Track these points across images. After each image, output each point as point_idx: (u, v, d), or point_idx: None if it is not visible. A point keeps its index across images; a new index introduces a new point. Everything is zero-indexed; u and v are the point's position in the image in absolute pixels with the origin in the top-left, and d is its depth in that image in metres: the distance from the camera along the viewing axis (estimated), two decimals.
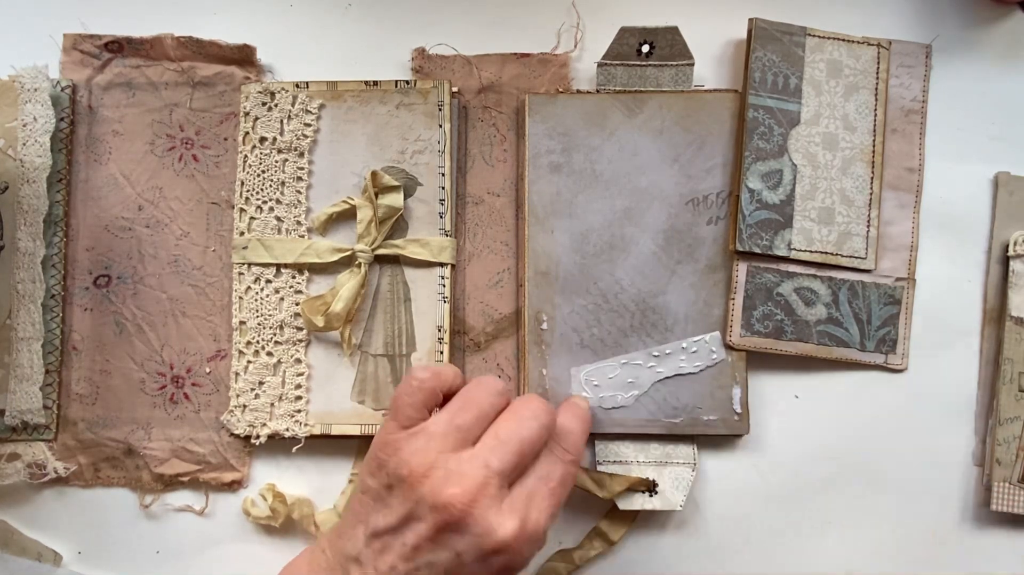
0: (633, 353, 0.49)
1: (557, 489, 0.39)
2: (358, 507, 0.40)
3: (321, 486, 0.50)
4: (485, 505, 0.36)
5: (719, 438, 0.49)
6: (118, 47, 0.52)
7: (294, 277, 0.50)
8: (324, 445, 0.50)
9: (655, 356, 0.49)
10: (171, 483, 0.50)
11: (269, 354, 0.50)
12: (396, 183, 0.49)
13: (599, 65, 0.50)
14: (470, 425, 0.39)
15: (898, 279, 0.50)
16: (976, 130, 0.51)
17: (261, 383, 0.50)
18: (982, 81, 0.51)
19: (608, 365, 0.49)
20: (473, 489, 0.36)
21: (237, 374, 0.50)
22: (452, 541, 0.37)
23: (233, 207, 0.51)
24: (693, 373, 0.49)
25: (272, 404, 0.50)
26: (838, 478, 0.50)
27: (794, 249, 0.49)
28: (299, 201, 0.50)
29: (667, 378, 0.49)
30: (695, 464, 0.49)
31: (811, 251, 0.49)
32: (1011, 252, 0.49)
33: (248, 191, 0.50)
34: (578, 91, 0.50)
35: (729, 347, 0.49)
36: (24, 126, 0.49)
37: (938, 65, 0.51)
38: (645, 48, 0.49)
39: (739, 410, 0.49)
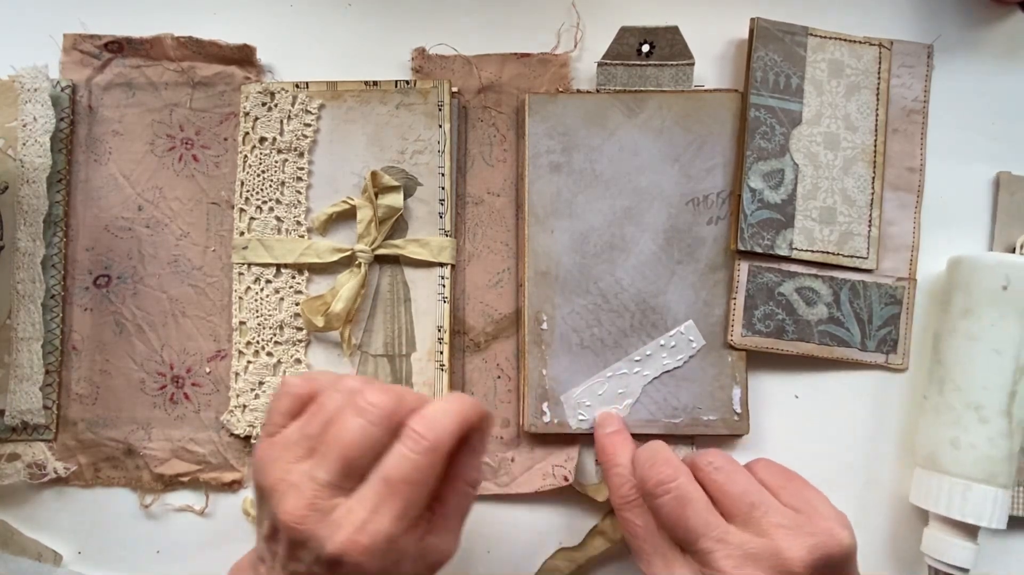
0: (616, 364, 0.49)
1: (401, 487, 0.35)
2: (256, 509, 0.39)
3: None
4: (315, 519, 0.35)
5: (719, 438, 0.49)
6: (118, 47, 0.52)
7: (294, 277, 0.50)
8: None
9: (637, 361, 0.49)
10: (171, 483, 0.50)
11: (269, 354, 0.50)
12: (396, 183, 0.49)
13: (599, 65, 0.50)
14: (317, 432, 0.36)
15: (899, 279, 0.50)
16: (977, 130, 0.51)
17: (261, 383, 0.50)
18: (982, 81, 0.51)
19: (595, 382, 0.49)
20: (302, 504, 0.35)
21: (237, 374, 0.50)
22: (301, 554, 0.35)
23: (233, 207, 0.51)
24: (679, 367, 0.49)
25: None
26: (838, 478, 0.50)
27: (795, 249, 0.49)
28: (299, 201, 0.50)
29: (656, 378, 0.49)
30: None
31: (812, 251, 0.49)
32: (1020, 253, 0.49)
33: (248, 191, 0.50)
34: (578, 91, 0.50)
35: (730, 347, 0.49)
36: (24, 126, 0.49)
37: (939, 65, 0.51)
38: (645, 48, 0.49)
39: (739, 410, 0.48)
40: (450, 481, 0.39)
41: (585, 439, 0.49)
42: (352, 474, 0.35)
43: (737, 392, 0.48)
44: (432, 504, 0.39)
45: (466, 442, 0.39)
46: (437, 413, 0.36)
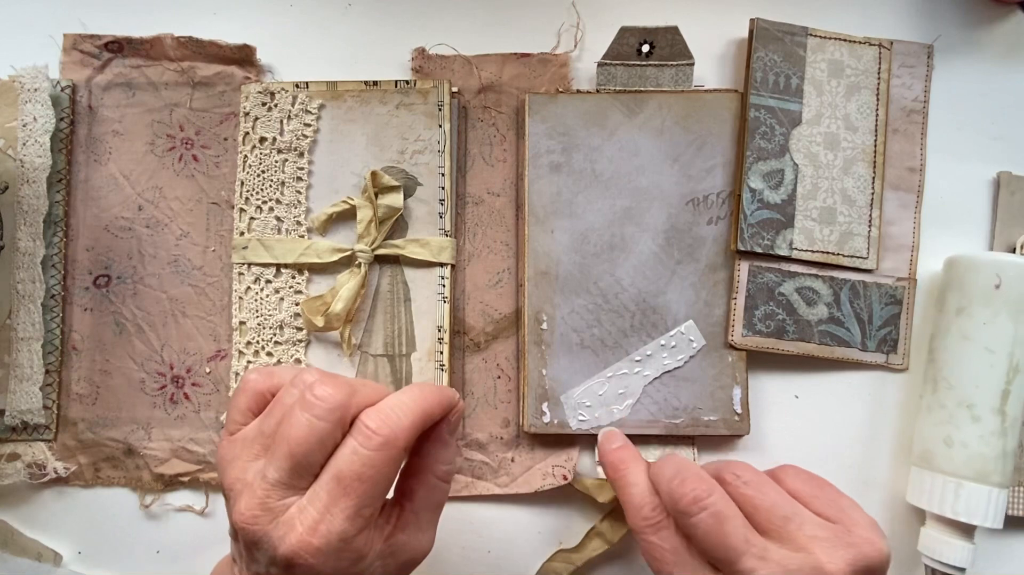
0: (616, 363, 0.49)
1: (354, 485, 0.33)
2: None
3: None
4: (266, 519, 0.34)
5: (719, 438, 0.49)
6: (118, 47, 0.52)
7: (294, 277, 0.50)
8: None
9: (637, 361, 0.49)
10: (171, 483, 0.50)
11: (269, 354, 0.50)
12: (396, 183, 0.49)
13: (599, 65, 0.50)
14: (272, 430, 0.35)
15: (899, 279, 0.50)
16: (977, 130, 0.51)
17: None
18: (982, 81, 0.51)
19: (595, 382, 0.49)
20: (254, 504, 0.34)
21: (237, 374, 0.50)
22: (257, 555, 0.34)
23: (233, 207, 0.51)
24: (679, 367, 0.48)
25: None
26: (838, 478, 0.50)
27: (796, 249, 0.49)
28: (299, 201, 0.50)
29: (656, 378, 0.49)
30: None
31: (812, 251, 0.49)
32: (1020, 253, 0.49)
33: (248, 191, 0.50)
34: (578, 91, 0.50)
35: (731, 347, 0.49)
36: (24, 126, 0.49)
37: (938, 65, 0.51)
38: (645, 48, 0.49)
39: (739, 410, 0.48)
40: (418, 474, 0.39)
41: (585, 439, 0.49)
42: (303, 472, 0.34)
43: (737, 392, 0.48)
44: (400, 500, 0.38)
45: (434, 433, 0.38)
46: (391, 407, 0.35)
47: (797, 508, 0.39)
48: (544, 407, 0.49)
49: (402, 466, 0.39)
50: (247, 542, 0.34)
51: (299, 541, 0.33)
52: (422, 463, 0.39)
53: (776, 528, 0.38)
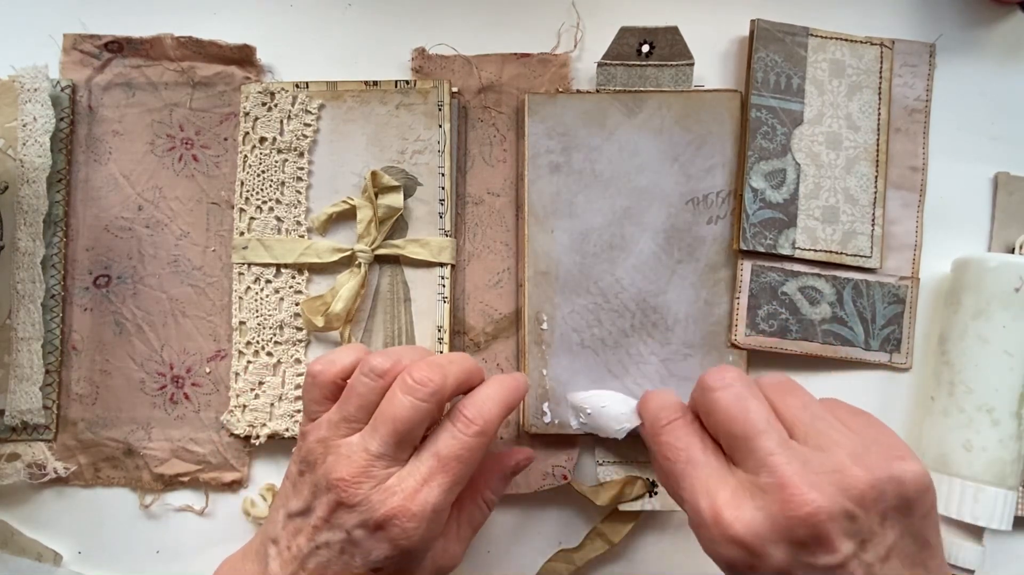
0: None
1: (452, 464, 0.38)
2: (281, 493, 0.41)
3: None
4: (368, 486, 0.37)
5: None
6: (118, 47, 0.52)
7: (294, 277, 0.50)
8: None
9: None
10: (171, 483, 0.50)
11: (269, 354, 0.50)
12: (396, 183, 0.49)
13: (599, 65, 0.50)
14: (353, 414, 0.39)
15: (902, 278, 0.50)
16: (976, 130, 0.51)
17: (261, 383, 0.50)
18: (982, 81, 0.51)
19: (596, 395, 0.48)
20: (356, 471, 0.37)
21: (237, 374, 0.50)
22: (342, 519, 0.38)
23: (233, 207, 0.51)
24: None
25: (272, 404, 0.50)
26: None
27: (798, 248, 0.49)
28: (299, 201, 0.50)
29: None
30: None
31: (815, 250, 0.49)
32: (1020, 253, 0.49)
33: (248, 191, 0.50)
34: (578, 91, 0.50)
35: (732, 346, 0.49)
36: (24, 126, 0.49)
37: (938, 65, 0.51)
38: (645, 48, 0.49)
39: None
40: (472, 491, 0.43)
41: (585, 439, 0.49)
42: (406, 446, 0.38)
43: None
44: (451, 510, 0.41)
45: (500, 466, 0.44)
46: (484, 398, 0.40)
47: (828, 416, 0.36)
48: (545, 407, 0.49)
49: None
50: (339, 503, 0.37)
51: (399, 505, 0.37)
52: (479, 483, 0.43)
53: (803, 427, 0.36)
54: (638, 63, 0.49)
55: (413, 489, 0.37)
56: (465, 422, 0.39)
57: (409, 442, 0.38)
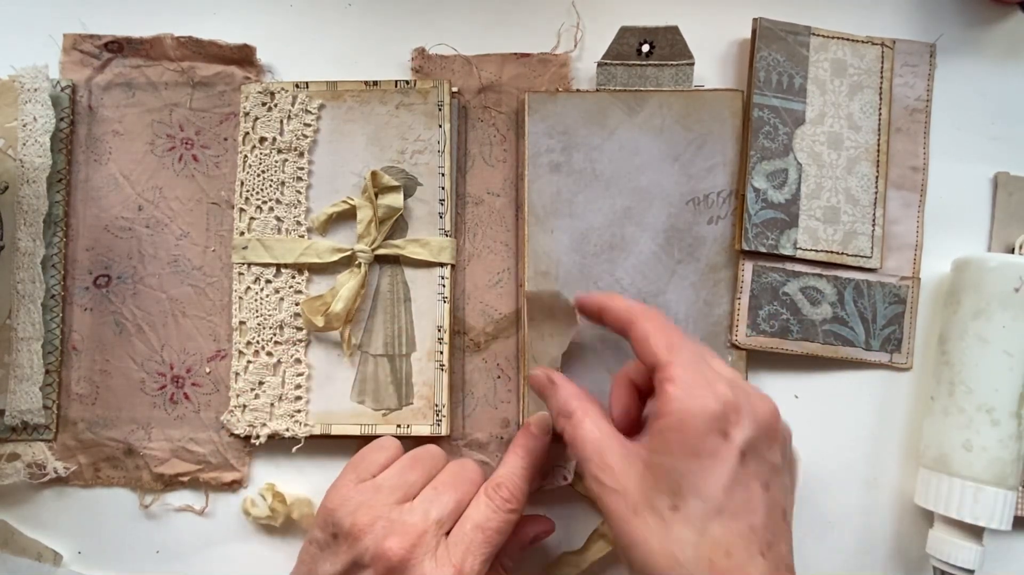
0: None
1: (494, 536, 0.41)
2: (306, 557, 0.42)
3: (321, 486, 0.50)
4: (422, 552, 0.39)
5: None
6: (118, 47, 0.52)
7: (294, 277, 0.50)
8: (324, 445, 0.50)
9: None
10: (171, 483, 0.50)
11: (269, 354, 0.50)
12: (396, 183, 0.49)
13: (599, 65, 0.50)
14: (414, 481, 0.42)
15: (903, 278, 0.50)
16: (976, 130, 0.51)
17: (261, 383, 0.50)
18: (982, 81, 0.51)
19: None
20: (413, 538, 0.40)
21: (237, 374, 0.50)
22: None
23: (233, 207, 0.51)
24: None
25: (272, 404, 0.50)
26: (841, 478, 0.49)
27: (800, 248, 0.49)
28: (299, 201, 0.50)
29: None
30: None
31: (817, 250, 0.49)
32: (1019, 253, 0.49)
33: (248, 191, 0.50)
34: (578, 90, 0.50)
35: (733, 346, 0.49)
36: (24, 126, 0.49)
37: (939, 65, 0.51)
38: (645, 48, 0.49)
39: None
40: (494, 561, 0.44)
41: None
42: (456, 517, 0.42)
43: None
44: None
45: (524, 536, 0.46)
46: (514, 475, 0.43)
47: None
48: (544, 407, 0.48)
49: None
50: (386, 571, 0.39)
51: (453, 570, 0.39)
52: (500, 551, 0.44)
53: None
54: (638, 63, 0.49)
55: (461, 560, 0.40)
56: (500, 502, 0.42)
57: (459, 515, 0.42)
